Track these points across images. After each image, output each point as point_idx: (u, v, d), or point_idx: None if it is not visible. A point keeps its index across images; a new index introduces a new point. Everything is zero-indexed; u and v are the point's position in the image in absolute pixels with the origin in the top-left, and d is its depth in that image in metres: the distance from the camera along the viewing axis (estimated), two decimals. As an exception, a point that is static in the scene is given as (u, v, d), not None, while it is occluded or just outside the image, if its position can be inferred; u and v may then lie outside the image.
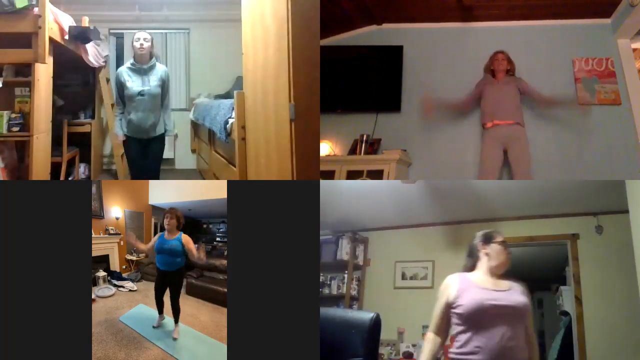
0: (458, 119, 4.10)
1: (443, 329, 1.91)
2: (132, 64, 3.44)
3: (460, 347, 1.81)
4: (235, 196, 2.04)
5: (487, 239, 1.98)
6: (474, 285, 1.88)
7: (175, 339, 2.90)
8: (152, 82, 3.42)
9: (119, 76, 3.44)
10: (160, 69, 3.50)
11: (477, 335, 1.77)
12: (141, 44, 3.40)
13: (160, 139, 3.61)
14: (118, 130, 3.51)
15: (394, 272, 4.35)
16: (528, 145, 3.66)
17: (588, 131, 3.83)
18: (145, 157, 3.59)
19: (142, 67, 3.42)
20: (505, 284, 1.89)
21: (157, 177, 3.73)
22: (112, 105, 5.52)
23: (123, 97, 3.45)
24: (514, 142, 3.63)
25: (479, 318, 1.79)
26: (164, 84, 3.50)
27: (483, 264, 1.95)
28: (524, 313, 1.82)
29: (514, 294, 1.85)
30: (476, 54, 4.10)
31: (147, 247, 3.23)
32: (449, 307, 1.88)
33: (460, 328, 1.84)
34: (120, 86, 3.44)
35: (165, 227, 2.99)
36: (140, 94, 3.39)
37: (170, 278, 3.02)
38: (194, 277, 4.59)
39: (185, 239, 2.97)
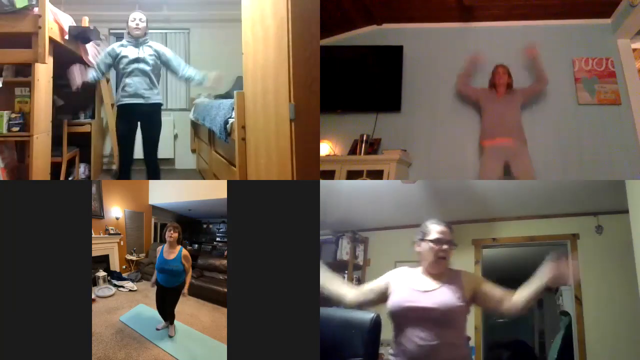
0: (458, 119, 4.10)
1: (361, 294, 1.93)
2: (127, 40, 3.60)
3: (392, 348, 1.80)
4: (235, 196, 2.04)
5: (421, 235, 1.86)
6: (406, 285, 1.83)
7: (171, 337, 2.95)
8: (147, 53, 3.56)
9: (113, 49, 3.59)
10: (154, 45, 3.63)
11: (400, 336, 1.76)
12: (137, 24, 3.55)
13: (156, 109, 3.66)
14: (92, 72, 3.62)
15: (394, 272, 4.35)
16: (530, 160, 3.60)
17: (588, 131, 3.83)
18: (143, 133, 3.64)
19: (137, 41, 3.57)
20: (437, 283, 1.79)
21: (155, 154, 3.71)
22: (112, 105, 5.52)
23: (113, 66, 3.60)
24: (515, 159, 3.57)
25: (399, 320, 1.77)
26: (159, 57, 3.62)
27: (422, 262, 1.87)
28: (449, 315, 1.72)
29: (441, 295, 1.75)
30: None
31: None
32: (383, 297, 1.86)
33: (392, 328, 1.83)
34: (115, 58, 3.55)
35: (167, 239, 3.03)
36: (136, 60, 3.52)
37: (170, 291, 3.07)
38: (194, 277, 4.58)
39: (185, 256, 3.03)
